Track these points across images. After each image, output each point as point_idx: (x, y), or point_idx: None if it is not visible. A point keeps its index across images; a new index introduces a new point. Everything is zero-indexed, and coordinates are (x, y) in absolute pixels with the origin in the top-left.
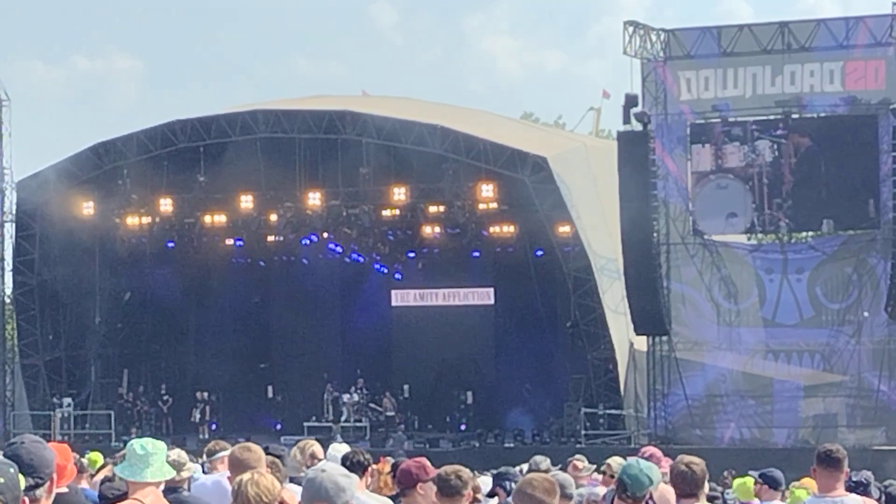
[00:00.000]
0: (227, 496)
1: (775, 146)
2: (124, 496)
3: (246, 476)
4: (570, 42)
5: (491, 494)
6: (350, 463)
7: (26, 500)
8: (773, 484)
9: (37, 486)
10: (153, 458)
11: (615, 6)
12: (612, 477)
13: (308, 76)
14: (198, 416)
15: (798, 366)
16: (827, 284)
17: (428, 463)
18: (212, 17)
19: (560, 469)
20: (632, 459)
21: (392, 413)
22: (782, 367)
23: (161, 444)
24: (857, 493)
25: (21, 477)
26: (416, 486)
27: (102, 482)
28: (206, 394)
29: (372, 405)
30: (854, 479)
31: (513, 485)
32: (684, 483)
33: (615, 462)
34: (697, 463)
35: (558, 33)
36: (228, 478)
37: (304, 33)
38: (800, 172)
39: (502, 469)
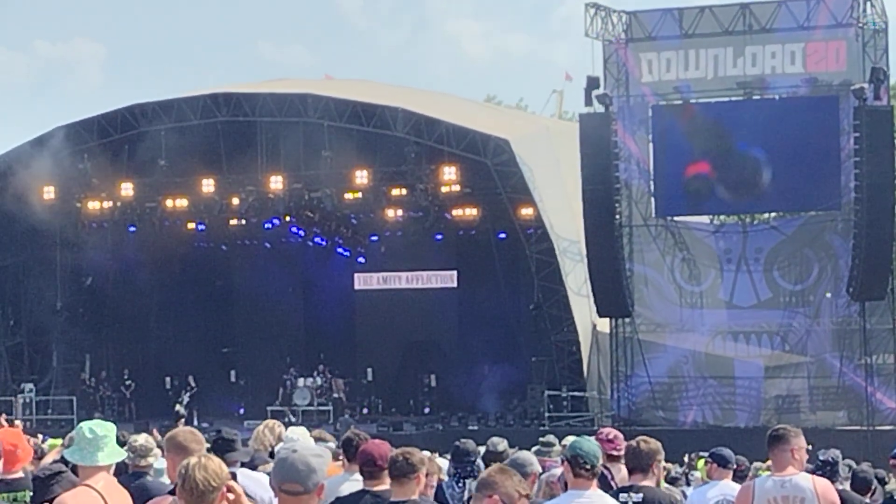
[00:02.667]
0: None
1: None
2: (57, 475)
3: (193, 460)
4: (533, 24)
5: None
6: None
7: None
8: (722, 462)
9: None
10: (104, 441)
11: None
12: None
13: (272, 61)
14: (186, 399)
15: (757, 346)
16: (784, 265)
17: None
18: (175, 2)
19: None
20: (576, 438)
21: (339, 395)
22: (742, 348)
23: (111, 426)
24: (825, 472)
25: None
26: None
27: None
28: (191, 377)
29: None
30: (822, 457)
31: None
32: (631, 458)
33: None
34: (649, 441)
35: (522, 16)
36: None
37: (269, 18)
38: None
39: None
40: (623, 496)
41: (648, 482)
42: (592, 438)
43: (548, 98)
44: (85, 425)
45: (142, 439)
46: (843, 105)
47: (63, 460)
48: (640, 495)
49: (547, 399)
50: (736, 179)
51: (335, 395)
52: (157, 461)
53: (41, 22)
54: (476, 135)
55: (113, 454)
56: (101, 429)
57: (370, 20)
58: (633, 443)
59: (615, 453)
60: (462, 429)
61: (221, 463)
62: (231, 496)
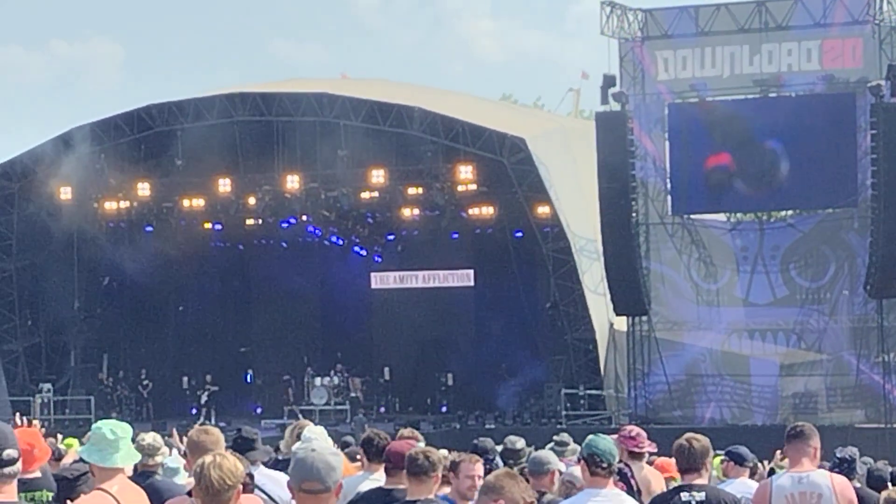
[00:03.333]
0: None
1: None
2: (84, 476)
3: (208, 459)
4: (549, 23)
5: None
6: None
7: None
8: (738, 460)
9: (18, 458)
10: (122, 443)
11: None
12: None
13: (288, 60)
14: (205, 398)
15: (773, 344)
16: (801, 263)
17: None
18: (191, 1)
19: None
20: (592, 436)
21: (356, 395)
22: (758, 345)
23: (128, 428)
24: (842, 470)
25: None
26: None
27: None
28: (209, 376)
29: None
30: (839, 455)
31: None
32: (683, 458)
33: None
34: (699, 439)
35: (538, 14)
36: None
37: (285, 16)
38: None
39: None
40: (685, 495)
41: (704, 480)
42: (608, 437)
43: (563, 96)
44: (105, 425)
45: (149, 438)
46: (859, 102)
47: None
48: (703, 494)
49: (564, 397)
50: (754, 171)
51: (352, 395)
52: (170, 460)
53: (58, 22)
54: (492, 133)
55: (130, 456)
56: (119, 430)
57: (386, 19)
58: (685, 441)
59: (637, 451)
60: (479, 427)
61: (237, 461)
62: None
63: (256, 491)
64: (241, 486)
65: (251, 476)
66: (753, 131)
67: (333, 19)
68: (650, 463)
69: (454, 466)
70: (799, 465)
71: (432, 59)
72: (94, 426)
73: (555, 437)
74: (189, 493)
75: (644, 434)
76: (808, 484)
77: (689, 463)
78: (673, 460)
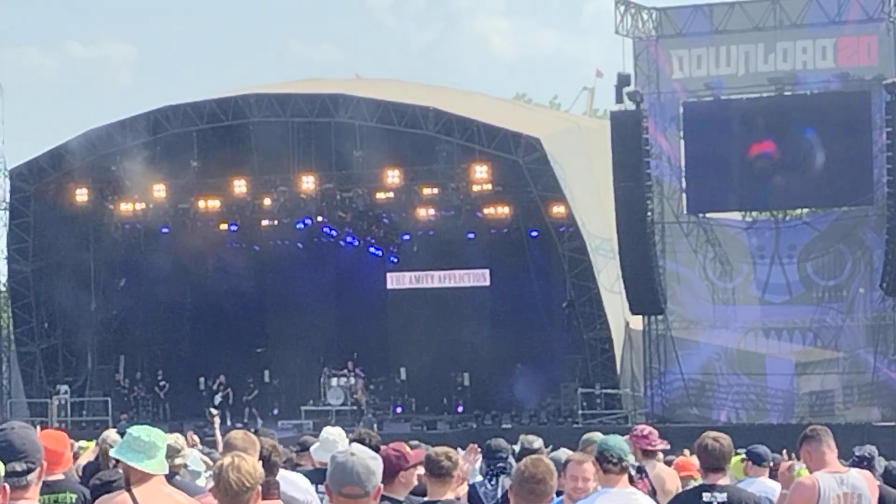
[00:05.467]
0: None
1: None
2: (116, 482)
3: (227, 460)
4: (563, 22)
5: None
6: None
7: (7, 487)
8: (757, 460)
9: (28, 470)
10: (156, 449)
11: None
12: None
13: (303, 60)
14: (219, 399)
15: (789, 343)
16: (818, 261)
17: (407, 449)
18: (206, 2)
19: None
20: (603, 436)
21: (357, 396)
22: (774, 344)
23: (164, 436)
24: (862, 468)
25: (0, 465)
26: (397, 475)
27: (85, 467)
28: (222, 377)
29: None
30: (857, 453)
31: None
32: (710, 457)
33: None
34: (723, 438)
35: (552, 13)
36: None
37: (299, 17)
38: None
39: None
40: (707, 496)
41: (727, 480)
42: (618, 436)
43: (578, 95)
44: (141, 430)
45: (171, 439)
46: (875, 100)
47: (96, 467)
48: (725, 495)
49: (580, 397)
50: (791, 160)
51: (354, 397)
52: (192, 461)
53: (73, 24)
54: (507, 133)
55: (162, 464)
56: (154, 435)
57: (400, 19)
58: (710, 441)
59: (650, 449)
60: (496, 427)
61: (256, 462)
62: None
63: None
64: (259, 488)
65: (277, 484)
66: (790, 123)
67: (348, 19)
68: (669, 463)
69: (563, 465)
70: (830, 465)
71: (446, 58)
72: (129, 430)
73: (525, 436)
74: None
75: (656, 433)
76: (849, 485)
77: (714, 462)
78: (693, 459)
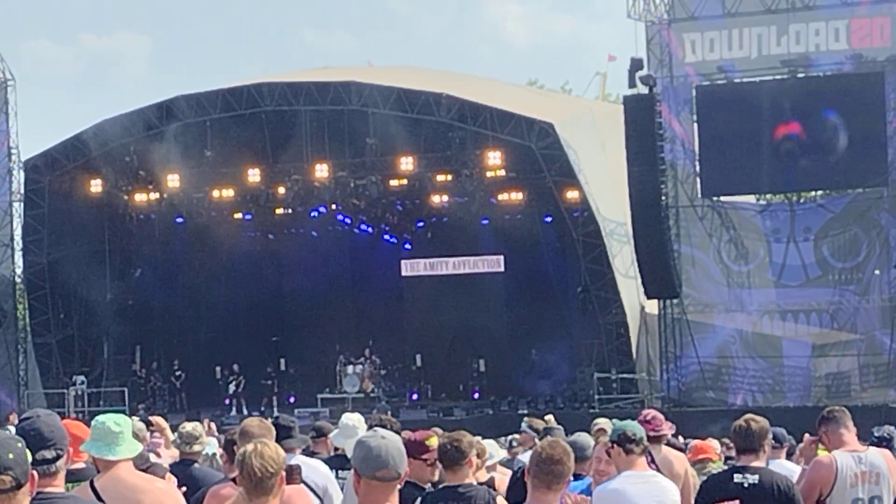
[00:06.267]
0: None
1: None
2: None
3: (249, 447)
4: (576, 7)
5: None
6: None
7: (35, 474)
8: (775, 441)
9: (57, 457)
10: (123, 436)
11: None
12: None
13: (316, 48)
14: (232, 388)
15: (806, 325)
16: (834, 243)
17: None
18: None
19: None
20: (618, 421)
21: (363, 383)
22: (790, 326)
23: (128, 420)
24: (880, 448)
25: (28, 452)
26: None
27: None
28: (236, 365)
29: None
30: (877, 434)
31: None
32: (740, 438)
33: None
34: (757, 420)
35: None
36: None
37: (312, 5)
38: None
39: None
40: (738, 476)
41: (760, 462)
42: (632, 420)
43: (590, 80)
44: (108, 418)
45: (189, 427)
46: (889, 81)
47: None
48: (756, 476)
49: (596, 381)
50: (815, 142)
51: (356, 388)
52: (210, 448)
53: (86, 15)
54: (520, 119)
55: (130, 449)
56: (122, 421)
57: (413, 5)
58: (742, 422)
59: (653, 434)
60: (512, 413)
61: (278, 448)
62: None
63: None
64: (283, 474)
65: (300, 469)
66: (814, 104)
67: (361, 6)
68: (685, 447)
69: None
70: (848, 444)
71: (459, 44)
72: (95, 420)
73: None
74: (233, 480)
75: (661, 417)
76: (867, 463)
77: (746, 443)
78: (711, 442)
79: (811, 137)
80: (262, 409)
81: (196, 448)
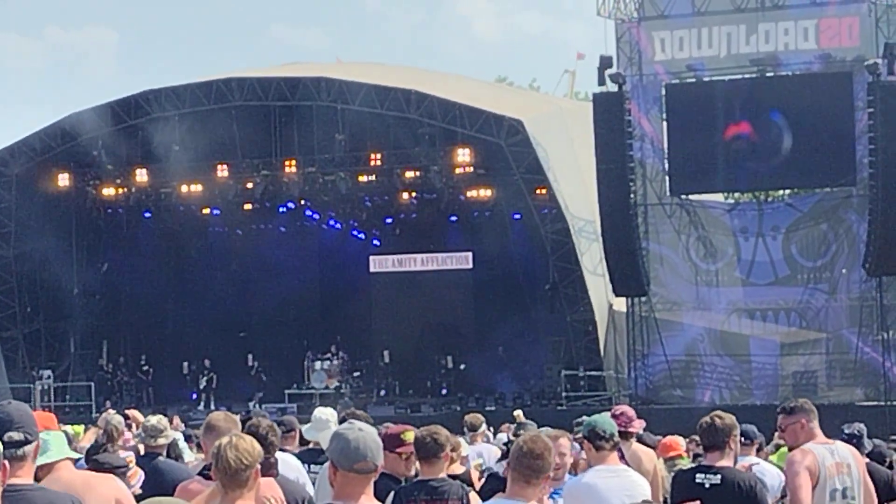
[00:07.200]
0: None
1: None
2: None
3: (225, 440)
4: (546, 4)
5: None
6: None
7: (6, 464)
8: (744, 438)
9: (26, 441)
10: (50, 442)
11: None
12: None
13: (286, 43)
14: (203, 383)
15: (774, 324)
16: (802, 242)
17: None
18: None
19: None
20: (588, 417)
21: (324, 383)
22: (759, 325)
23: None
24: (851, 445)
25: None
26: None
27: (89, 450)
28: (207, 361)
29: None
30: (847, 431)
31: None
32: (705, 435)
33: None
34: (722, 416)
35: None
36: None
37: (284, 0)
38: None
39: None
40: (699, 477)
41: (726, 461)
42: (606, 415)
43: (560, 78)
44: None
45: (154, 420)
46: (857, 80)
47: (95, 449)
48: (719, 477)
49: (564, 379)
50: (762, 142)
51: (316, 385)
52: (181, 440)
53: (53, 8)
54: (489, 116)
55: (58, 452)
56: (54, 433)
57: (383, 1)
58: (708, 419)
59: (622, 430)
60: (480, 409)
61: (254, 441)
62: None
63: None
64: (258, 467)
65: (276, 461)
66: (762, 105)
67: (331, 2)
68: (655, 444)
69: None
70: (820, 436)
71: (429, 40)
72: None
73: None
74: (201, 474)
75: (632, 413)
76: (840, 455)
77: (712, 440)
78: (678, 439)
79: (761, 137)
80: (230, 404)
81: (161, 441)
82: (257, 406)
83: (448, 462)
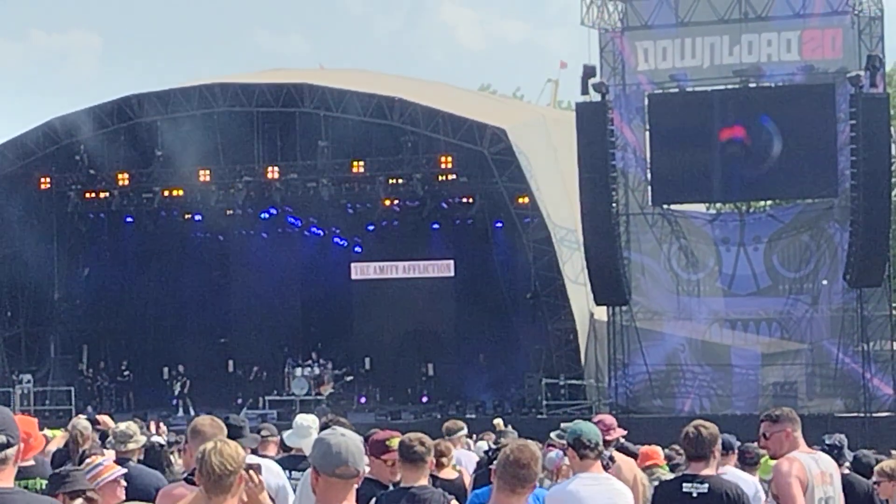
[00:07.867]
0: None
1: None
2: (75, 472)
3: (209, 445)
4: (529, 13)
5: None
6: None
7: None
8: (723, 448)
9: (8, 444)
10: None
11: None
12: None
13: (269, 50)
14: (178, 388)
15: (755, 334)
16: (784, 253)
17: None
18: None
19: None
20: (573, 422)
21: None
22: (740, 335)
23: None
24: (832, 456)
25: None
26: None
27: (55, 454)
28: (181, 366)
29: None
30: (828, 441)
31: None
32: (690, 445)
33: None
34: (706, 426)
35: (518, 4)
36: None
37: (266, 6)
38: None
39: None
40: (687, 486)
41: (710, 470)
42: (591, 423)
43: (543, 87)
44: None
45: (123, 426)
46: (839, 92)
47: (65, 454)
48: (706, 486)
49: (545, 387)
50: (754, 147)
51: (318, 389)
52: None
53: (37, 12)
54: (472, 124)
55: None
56: None
57: (366, 7)
58: (692, 428)
59: (605, 438)
60: (460, 417)
61: (238, 447)
62: (252, 483)
63: None
64: (243, 472)
65: (259, 467)
66: (755, 110)
67: (314, 8)
68: (635, 453)
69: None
70: (803, 446)
71: (412, 48)
72: None
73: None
74: (187, 480)
75: (611, 420)
76: (823, 464)
77: (697, 450)
78: (656, 448)
79: (754, 142)
80: (210, 410)
81: (131, 446)
82: (245, 411)
83: (438, 468)
